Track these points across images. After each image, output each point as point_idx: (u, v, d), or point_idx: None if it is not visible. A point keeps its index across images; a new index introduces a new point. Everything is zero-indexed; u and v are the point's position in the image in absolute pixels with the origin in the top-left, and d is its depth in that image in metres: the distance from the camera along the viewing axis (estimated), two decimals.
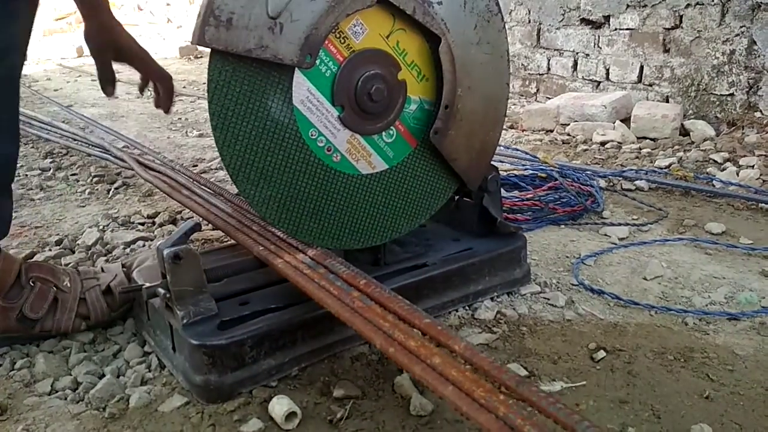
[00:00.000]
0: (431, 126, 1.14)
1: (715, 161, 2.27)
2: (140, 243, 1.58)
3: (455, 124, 1.16)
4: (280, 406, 0.92)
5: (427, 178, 1.19)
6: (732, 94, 2.67)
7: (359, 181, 1.11)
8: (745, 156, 2.28)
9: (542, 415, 0.67)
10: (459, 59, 1.13)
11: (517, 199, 1.77)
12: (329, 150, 1.07)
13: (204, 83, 4.87)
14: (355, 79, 1.06)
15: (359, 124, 1.09)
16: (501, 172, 1.33)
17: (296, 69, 0.99)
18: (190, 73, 5.20)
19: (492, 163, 1.27)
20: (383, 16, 1.06)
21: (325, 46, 1.01)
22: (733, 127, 2.65)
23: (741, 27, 2.60)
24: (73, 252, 1.56)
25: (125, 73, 5.37)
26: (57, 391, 1.02)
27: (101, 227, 1.69)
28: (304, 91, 1.02)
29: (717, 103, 2.73)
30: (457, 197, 1.35)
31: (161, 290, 1.01)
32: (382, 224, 1.16)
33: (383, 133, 1.12)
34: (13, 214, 1.82)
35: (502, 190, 1.34)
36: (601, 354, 1.09)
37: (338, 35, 1.02)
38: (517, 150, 2.28)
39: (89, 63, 1.66)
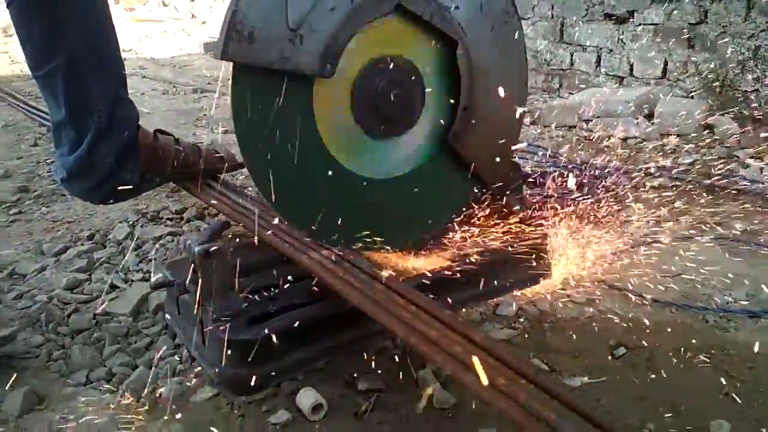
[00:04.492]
0: (449, 128, 1.16)
1: (740, 158, 2.25)
2: (169, 238, 1.62)
3: (473, 126, 1.18)
4: (306, 398, 0.95)
5: (446, 180, 1.20)
6: (757, 90, 2.65)
7: (381, 185, 1.13)
8: None
9: (559, 402, 0.69)
10: (476, 62, 1.14)
11: (538, 196, 1.78)
12: (351, 154, 1.09)
13: (229, 79, 4.91)
14: (375, 84, 1.08)
15: (379, 129, 1.11)
16: (522, 169, 1.33)
17: (316, 77, 1.01)
18: (216, 69, 5.24)
19: (513, 159, 1.29)
20: (401, 23, 1.07)
21: (344, 53, 1.02)
22: (758, 124, 2.62)
23: (767, 22, 2.57)
24: (105, 246, 1.60)
25: (150, 70, 5.39)
26: (92, 382, 1.06)
27: (131, 222, 1.74)
28: (324, 98, 1.03)
29: (742, 99, 2.71)
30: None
31: (192, 286, 1.04)
32: (406, 226, 1.18)
33: (402, 137, 1.14)
34: (45, 210, 1.89)
35: (523, 186, 1.35)
36: (622, 350, 1.10)
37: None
38: (539, 147, 2.28)
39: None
